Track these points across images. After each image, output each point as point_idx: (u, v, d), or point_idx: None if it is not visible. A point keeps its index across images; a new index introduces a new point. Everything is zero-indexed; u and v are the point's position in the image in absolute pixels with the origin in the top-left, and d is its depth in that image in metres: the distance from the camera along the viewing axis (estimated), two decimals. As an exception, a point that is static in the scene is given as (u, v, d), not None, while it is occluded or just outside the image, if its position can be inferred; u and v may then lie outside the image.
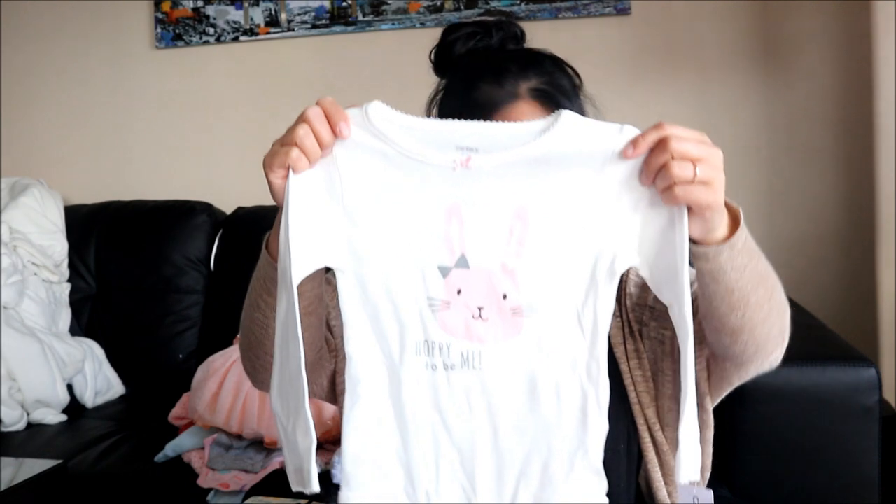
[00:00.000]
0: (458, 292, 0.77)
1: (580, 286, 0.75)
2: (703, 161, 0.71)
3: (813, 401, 1.40)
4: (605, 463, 0.95)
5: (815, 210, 2.15)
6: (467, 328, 0.77)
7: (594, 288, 0.75)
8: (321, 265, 0.77)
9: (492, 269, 0.76)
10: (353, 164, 0.76)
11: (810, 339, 1.57)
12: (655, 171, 0.72)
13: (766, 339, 0.84)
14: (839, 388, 1.41)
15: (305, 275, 0.76)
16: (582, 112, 0.97)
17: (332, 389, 0.99)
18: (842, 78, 2.11)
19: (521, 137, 0.74)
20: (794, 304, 2.03)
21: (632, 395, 0.98)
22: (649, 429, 0.98)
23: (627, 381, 0.99)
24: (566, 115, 0.74)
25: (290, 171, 0.75)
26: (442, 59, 1.05)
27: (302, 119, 0.77)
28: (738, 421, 1.14)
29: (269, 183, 0.77)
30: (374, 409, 0.77)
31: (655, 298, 0.92)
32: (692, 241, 0.75)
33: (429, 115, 1.05)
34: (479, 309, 0.77)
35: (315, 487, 0.73)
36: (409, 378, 0.77)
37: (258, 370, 0.95)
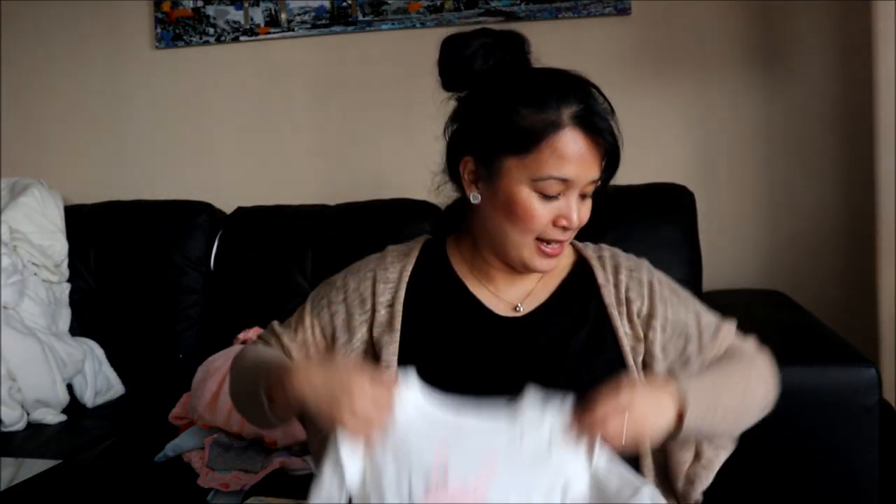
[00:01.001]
0: None
1: None
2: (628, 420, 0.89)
3: (813, 401, 1.40)
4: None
5: (815, 210, 2.15)
6: None
7: None
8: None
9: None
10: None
11: (810, 339, 1.57)
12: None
13: (750, 421, 1.04)
14: (839, 388, 1.41)
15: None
16: (615, 135, 1.03)
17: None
18: (842, 78, 2.11)
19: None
20: (794, 304, 2.03)
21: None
22: None
23: None
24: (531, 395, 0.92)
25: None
26: (457, 75, 1.07)
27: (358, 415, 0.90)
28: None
29: (338, 429, 0.91)
30: None
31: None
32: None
33: (447, 132, 1.11)
34: None
35: None
36: None
37: (252, 422, 1.12)
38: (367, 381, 0.90)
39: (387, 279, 1.10)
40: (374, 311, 1.08)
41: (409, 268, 1.12)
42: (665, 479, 1.05)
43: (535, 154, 0.99)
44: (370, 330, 1.07)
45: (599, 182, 1.04)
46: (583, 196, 1.04)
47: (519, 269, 1.09)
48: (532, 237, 1.04)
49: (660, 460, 1.05)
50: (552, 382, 0.96)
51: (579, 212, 1.03)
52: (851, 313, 2.06)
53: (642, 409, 0.90)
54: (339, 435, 0.89)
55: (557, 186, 1.00)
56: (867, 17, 1.88)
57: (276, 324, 1.16)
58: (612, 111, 1.04)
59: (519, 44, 1.07)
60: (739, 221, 2.20)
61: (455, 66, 1.06)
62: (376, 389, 0.90)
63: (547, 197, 1.01)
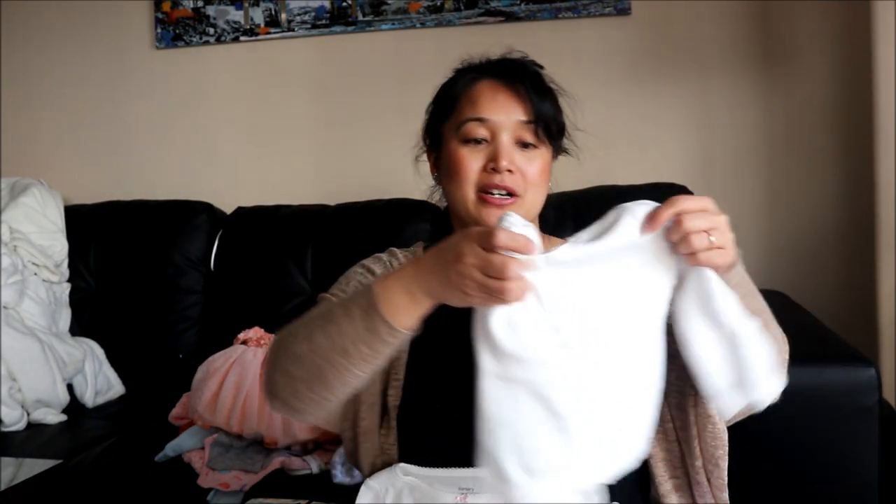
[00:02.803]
0: None
1: None
2: (714, 230, 0.81)
3: (813, 401, 1.40)
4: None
5: (815, 210, 2.15)
6: None
7: None
8: None
9: None
10: None
11: (810, 339, 1.57)
12: (677, 244, 0.81)
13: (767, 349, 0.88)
14: (839, 388, 1.41)
15: None
16: (543, 86, 1.06)
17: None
18: (842, 78, 2.11)
19: None
20: (794, 304, 2.02)
21: None
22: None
23: None
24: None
25: None
26: None
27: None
28: (737, 421, 1.15)
29: (481, 297, 0.79)
30: None
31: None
32: None
33: (424, 143, 1.15)
34: None
35: None
36: None
37: (305, 401, 0.91)
38: (473, 244, 0.78)
39: None
40: None
41: None
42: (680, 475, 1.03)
43: (457, 110, 1.05)
44: None
45: (538, 129, 1.03)
46: (524, 144, 1.03)
47: None
48: (471, 189, 1.04)
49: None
50: None
51: (513, 157, 1.02)
52: (851, 313, 2.06)
53: (727, 237, 0.83)
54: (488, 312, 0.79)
55: (478, 129, 1.03)
56: (867, 17, 1.88)
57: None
58: (541, 71, 1.08)
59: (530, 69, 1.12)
60: (739, 221, 2.17)
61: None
62: (486, 254, 0.78)
63: (472, 142, 1.03)
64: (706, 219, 0.81)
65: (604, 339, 0.81)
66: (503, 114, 1.02)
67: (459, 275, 0.78)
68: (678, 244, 0.80)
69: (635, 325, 0.83)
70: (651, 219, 0.80)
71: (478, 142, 1.02)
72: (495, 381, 0.79)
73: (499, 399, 0.79)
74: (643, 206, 0.82)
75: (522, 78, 1.04)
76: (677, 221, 0.80)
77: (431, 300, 0.83)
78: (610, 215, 0.83)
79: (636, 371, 0.83)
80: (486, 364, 0.79)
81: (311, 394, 0.90)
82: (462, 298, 0.80)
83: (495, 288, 0.77)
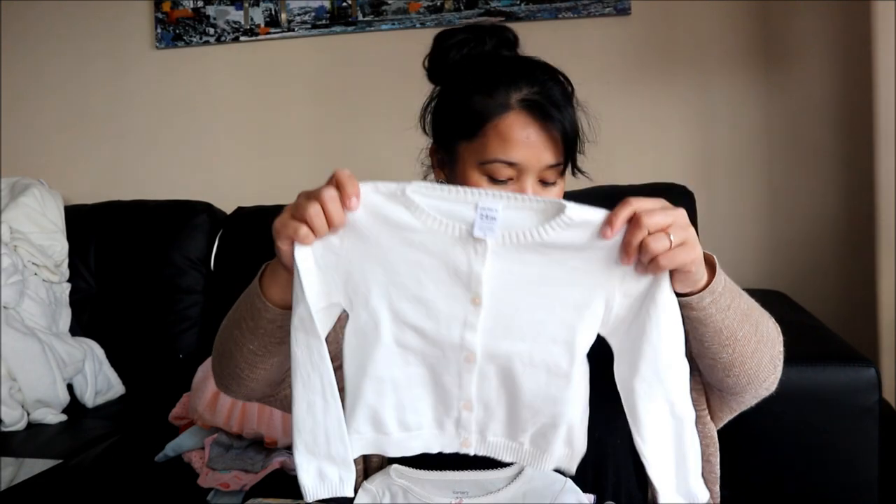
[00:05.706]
0: None
1: None
2: (672, 226, 0.77)
3: (813, 401, 1.40)
4: (600, 458, 0.97)
5: (815, 210, 2.15)
6: None
7: None
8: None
9: None
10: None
11: (810, 339, 1.57)
12: (636, 248, 0.77)
13: (757, 370, 0.90)
14: (839, 388, 1.41)
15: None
16: (569, 120, 0.99)
17: None
18: (842, 78, 2.11)
19: (498, 483, 0.96)
20: (794, 304, 2.02)
21: None
22: None
23: None
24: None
25: (296, 244, 0.80)
26: (436, 67, 1.06)
27: (315, 197, 0.80)
28: (737, 420, 1.15)
29: (277, 248, 0.82)
30: None
31: None
32: (678, 294, 0.81)
33: (423, 121, 1.08)
34: None
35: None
36: None
37: (225, 376, 0.99)
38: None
39: None
40: None
41: None
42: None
43: (481, 138, 0.97)
44: None
45: (562, 167, 1.00)
46: (544, 182, 0.99)
47: None
48: None
49: None
50: None
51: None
52: (851, 313, 2.06)
53: (687, 232, 0.77)
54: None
55: (506, 170, 0.97)
56: (867, 17, 1.88)
57: None
58: (571, 95, 1.01)
59: (500, 36, 1.05)
60: (739, 221, 2.20)
61: (434, 57, 1.06)
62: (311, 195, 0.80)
63: (497, 181, 0.97)
64: (664, 214, 0.77)
65: (516, 334, 0.82)
66: (534, 157, 0.96)
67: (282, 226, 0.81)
68: (639, 251, 0.77)
69: (554, 334, 0.81)
70: (609, 221, 0.77)
71: (501, 182, 0.97)
72: (392, 346, 0.83)
73: (391, 362, 0.83)
74: (596, 212, 0.78)
75: (554, 118, 0.97)
76: (635, 219, 0.76)
77: (288, 273, 0.84)
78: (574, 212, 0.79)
79: (540, 376, 0.82)
80: (385, 328, 0.82)
81: (227, 368, 0.96)
82: (281, 249, 0.81)
83: (302, 210, 0.78)
